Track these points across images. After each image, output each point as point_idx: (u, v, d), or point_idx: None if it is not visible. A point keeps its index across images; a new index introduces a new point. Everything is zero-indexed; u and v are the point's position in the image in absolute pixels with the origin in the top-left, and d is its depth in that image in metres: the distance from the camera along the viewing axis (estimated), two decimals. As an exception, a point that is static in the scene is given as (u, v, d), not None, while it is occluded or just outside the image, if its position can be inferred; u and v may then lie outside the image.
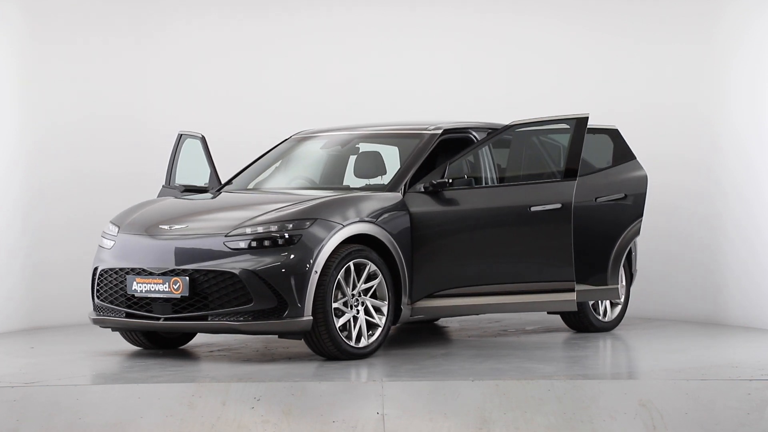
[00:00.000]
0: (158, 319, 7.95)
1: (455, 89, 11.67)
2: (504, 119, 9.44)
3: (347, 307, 7.95)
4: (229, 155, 10.85)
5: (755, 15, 10.25)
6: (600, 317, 9.62)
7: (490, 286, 8.54)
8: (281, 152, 9.52)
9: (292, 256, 7.72)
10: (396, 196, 8.37)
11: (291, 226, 7.80)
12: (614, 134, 9.64)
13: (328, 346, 7.85)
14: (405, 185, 8.48)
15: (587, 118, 8.74)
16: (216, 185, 9.36)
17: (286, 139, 9.74)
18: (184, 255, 7.92)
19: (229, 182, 9.39)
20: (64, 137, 10.95)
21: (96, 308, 8.37)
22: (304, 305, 7.68)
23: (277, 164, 9.44)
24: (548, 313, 9.61)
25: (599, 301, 9.56)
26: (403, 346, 8.98)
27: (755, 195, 10.21)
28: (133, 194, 10.13)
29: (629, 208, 9.33)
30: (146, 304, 8.00)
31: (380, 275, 8.07)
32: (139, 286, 7.99)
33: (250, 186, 9.20)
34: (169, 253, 7.97)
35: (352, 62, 11.71)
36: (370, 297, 8.09)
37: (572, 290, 8.55)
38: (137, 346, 8.77)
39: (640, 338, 9.42)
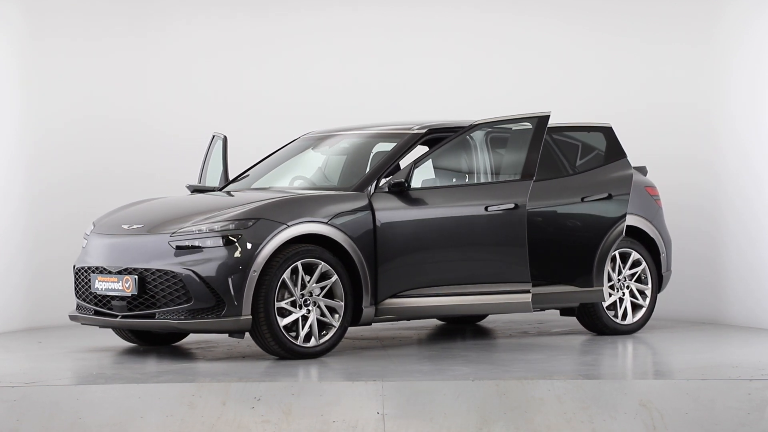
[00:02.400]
0: (116, 316, 8.13)
1: (456, 89, 11.66)
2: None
3: (296, 307, 7.96)
4: (229, 154, 10.84)
5: (755, 15, 10.25)
6: (618, 320, 9.44)
7: (453, 287, 8.51)
8: (291, 152, 9.51)
9: (230, 256, 7.79)
10: (361, 196, 8.34)
11: (233, 226, 7.88)
12: (608, 132, 9.54)
13: (271, 345, 7.90)
14: (375, 185, 8.44)
15: (548, 116, 8.76)
16: (224, 185, 9.47)
17: (296, 139, 9.74)
18: (134, 254, 8.10)
19: (234, 180, 9.43)
20: (65, 137, 10.96)
21: (77, 306, 8.59)
22: (241, 304, 7.75)
23: (285, 163, 9.45)
24: (561, 314, 9.52)
25: (618, 303, 9.43)
26: (406, 346, 8.98)
27: (756, 194, 10.21)
28: (134, 194, 10.12)
29: (613, 208, 9.21)
30: (107, 301, 8.20)
31: (334, 275, 8.07)
32: (100, 285, 8.22)
33: (255, 186, 9.20)
34: (123, 252, 8.18)
35: (352, 62, 11.71)
36: (327, 297, 8.09)
37: (527, 291, 8.54)
38: (130, 342, 8.95)
39: (641, 338, 9.40)
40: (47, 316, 10.45)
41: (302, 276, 7.95)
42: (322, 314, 8.06)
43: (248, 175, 9.44)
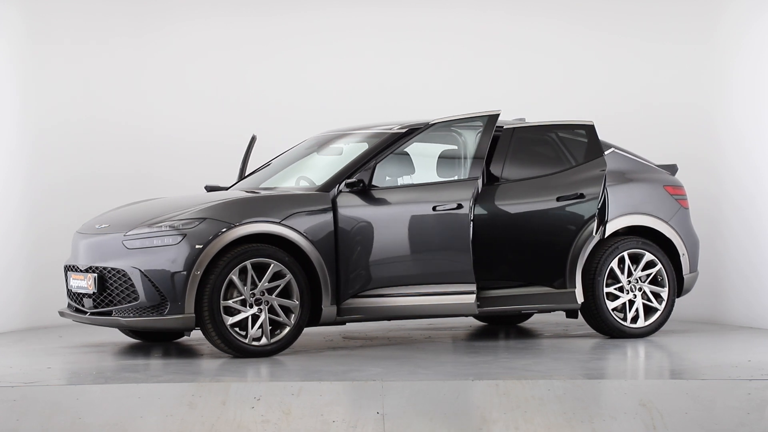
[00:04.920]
0: (86, 313, 8.41)
1: (456, 91, 11.66)
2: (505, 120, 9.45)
3: (246, 306, 8.03)
4: (228, 156, 10.86)
5: (756, 15, 10.26)
6: (627, 323, 9.19)
7: (413, 287, 8.51)
8: (302, 152, 9.52)
9: (174, 256, 7.93)
10: (324, 196, 8.38)
11: (180, 226, 8.03)
12: (589, 130, 9.29)
13: (218, 343, 8.03)
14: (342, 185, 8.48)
15: (498, 115, 8.78)
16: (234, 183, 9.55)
17: (306, 140, 9.75)
18: (96, 253, 8.35)
19: (242, 179, 9.52)
20: (64, 139, 10.97)
21: (67, 303, 8.85)
22: (184, 302, 7.88)
23: (298, 162, 9.45)
24: (567, 316, 9.44)
25: (627, 306, 9.22)
26: (409, 346, 8.99)
27: (758, 193, 10.22)
28: (135, 196, 10.16)
29: (586, 208, 8.96)
30: (80, 298, 8.47)
31: (288, 275, 8.11)
32: (73, 282, 8.51)
33: (263, 185, 9.23)
34: (89, 252, 8.42)
35: (352, 63, 11.71)
36: (285, 297, 8.14)
37: (472, 293, 8.51)
38: (134, 339, 9.19)
39: (642, 338, 9.39)
40: (47, 316, 10.46)
41: (252, 275, 8.03)
42: (277, 314, 8.12)
43: (269, 165, 9.49)
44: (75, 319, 8.62)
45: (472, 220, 8.58)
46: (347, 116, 10.69)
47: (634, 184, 9.41)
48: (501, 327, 10.33)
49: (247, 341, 8.04)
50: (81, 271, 8.41)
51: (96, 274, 8.24)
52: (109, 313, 8.21)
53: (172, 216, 8.15)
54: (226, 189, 9.38)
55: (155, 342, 9.11)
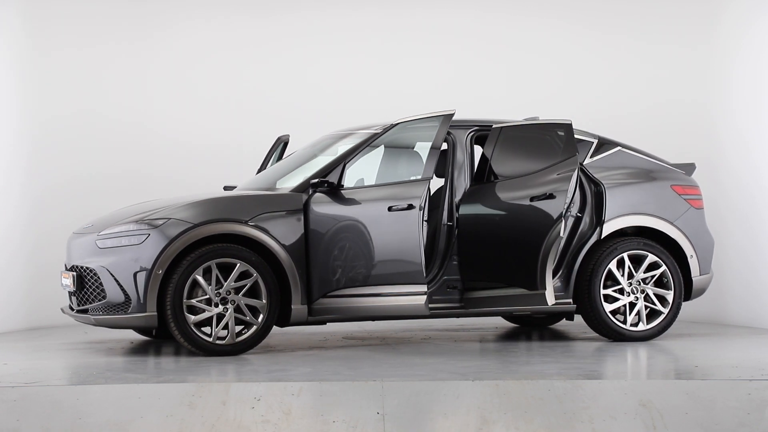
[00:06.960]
0: (73, 310, 8.59)
1: (456, 92, 11.66)
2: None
3: (211, 305, 8.12)
4: (229, 156, 10.85)
5: (756, 15, 10.27)
6: (627, 326, 9.05)
7: (373, 288, 8.51)
8: (308, 152, 9.52)
9: (138, 255, 8.07)
10: (296, 197, 8.44)
11: (145, 226, 8.16)
12: (567, 129, 8.99)
13: (181, 341, 8.15)
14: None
15: (452, 114, 8.75)
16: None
17: (312, 140, 9.75)
18: (77, 252, 8.51)
19: (257, 176, 9.55)
20: (65, 140, 10.98)
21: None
22: (146, 301, 8.00)
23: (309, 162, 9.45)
24: (566, 319, 9.36)
25: (627, 309, 9.07)
26: (409, 346, 8.99)
27: (759, 193, 10.22)
28: (135, 196, 10.16)
29: (555, 208, 8.66)
30: (71, 296, 8.64)
31: (255, 274, 8.16)
32: (63, 280, 8.68)
33: (277, 185, 9.24)
34: (74, 251, 8.59)
35: (353, 65, 11.71)
36: (251, 297, 8.21)
37: (423, 294, 8.47)
38: (144, 336, 9.36)
39: (641, 338, 9.40)
40: (47, 315, 10.47)
41: (216, 274, 8.12)
42: (244, 313, 8.20)
43: (279, 165, 9.50)
44: (74, 318, 8.69)
45: (426, 220, 8.67)
46: (352, 117, 10.70)
47: (638, 183, 9.28)
48: (532, 329, 10.26)
49: (211, 340, 8.14)
50: (67, 269, 8.60)
51: (75, 273, 8.40)
52: (86, 311, 8.35)
53: (142, 216, 8.26)
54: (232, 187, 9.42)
55: (164, 340, 9.20)
